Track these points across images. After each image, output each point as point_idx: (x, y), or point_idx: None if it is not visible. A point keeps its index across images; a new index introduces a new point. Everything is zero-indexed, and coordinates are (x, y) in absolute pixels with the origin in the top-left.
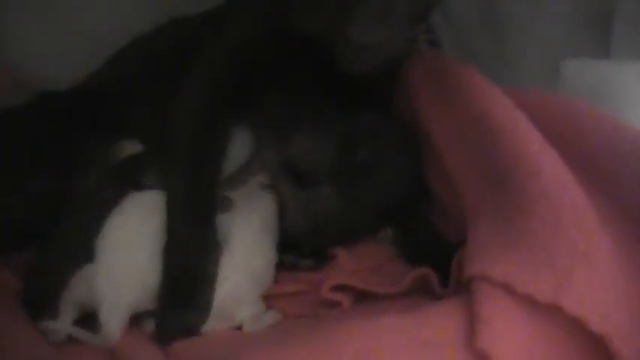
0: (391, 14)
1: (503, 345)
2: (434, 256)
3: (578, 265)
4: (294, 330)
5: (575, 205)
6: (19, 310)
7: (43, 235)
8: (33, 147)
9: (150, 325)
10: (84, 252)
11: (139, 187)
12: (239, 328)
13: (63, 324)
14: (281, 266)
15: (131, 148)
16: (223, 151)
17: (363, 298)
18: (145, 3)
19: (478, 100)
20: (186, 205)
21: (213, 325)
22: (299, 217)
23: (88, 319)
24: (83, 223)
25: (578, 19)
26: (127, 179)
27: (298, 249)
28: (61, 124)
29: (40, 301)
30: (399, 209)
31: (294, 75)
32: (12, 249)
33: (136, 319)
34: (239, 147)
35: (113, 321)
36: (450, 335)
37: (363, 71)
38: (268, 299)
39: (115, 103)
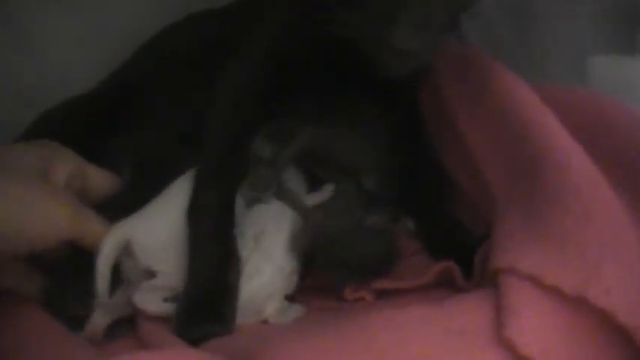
0: (432, 21)
1: (530, 335)
2: (457, 250)
3: (607, 258)
4: (319, 323)
5: (603, 198)
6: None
7: None
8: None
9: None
10: None
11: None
12: (265, 322)
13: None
14: None
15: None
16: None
17: (385, 290)
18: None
19: (506, 95)
20: (211, 220)
21: (240, 319)
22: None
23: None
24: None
25: (605, 17)
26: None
27: None
28: (85, 124)
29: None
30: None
31: (325, 72)
32: None
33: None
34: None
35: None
36: (480, 325)
37: (401, 75)
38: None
39: (137, 100)
